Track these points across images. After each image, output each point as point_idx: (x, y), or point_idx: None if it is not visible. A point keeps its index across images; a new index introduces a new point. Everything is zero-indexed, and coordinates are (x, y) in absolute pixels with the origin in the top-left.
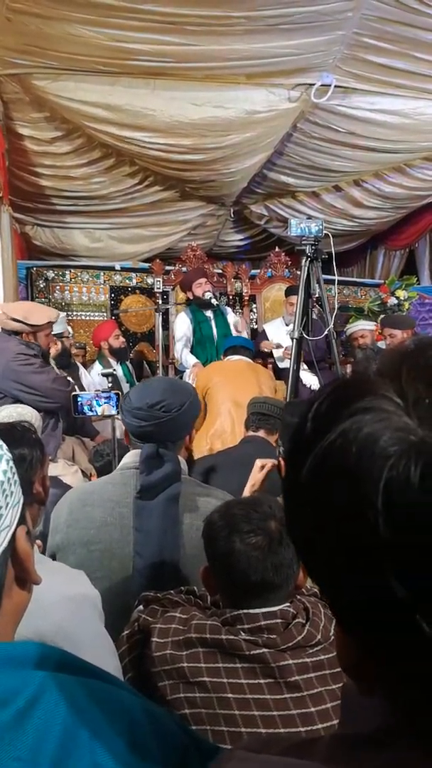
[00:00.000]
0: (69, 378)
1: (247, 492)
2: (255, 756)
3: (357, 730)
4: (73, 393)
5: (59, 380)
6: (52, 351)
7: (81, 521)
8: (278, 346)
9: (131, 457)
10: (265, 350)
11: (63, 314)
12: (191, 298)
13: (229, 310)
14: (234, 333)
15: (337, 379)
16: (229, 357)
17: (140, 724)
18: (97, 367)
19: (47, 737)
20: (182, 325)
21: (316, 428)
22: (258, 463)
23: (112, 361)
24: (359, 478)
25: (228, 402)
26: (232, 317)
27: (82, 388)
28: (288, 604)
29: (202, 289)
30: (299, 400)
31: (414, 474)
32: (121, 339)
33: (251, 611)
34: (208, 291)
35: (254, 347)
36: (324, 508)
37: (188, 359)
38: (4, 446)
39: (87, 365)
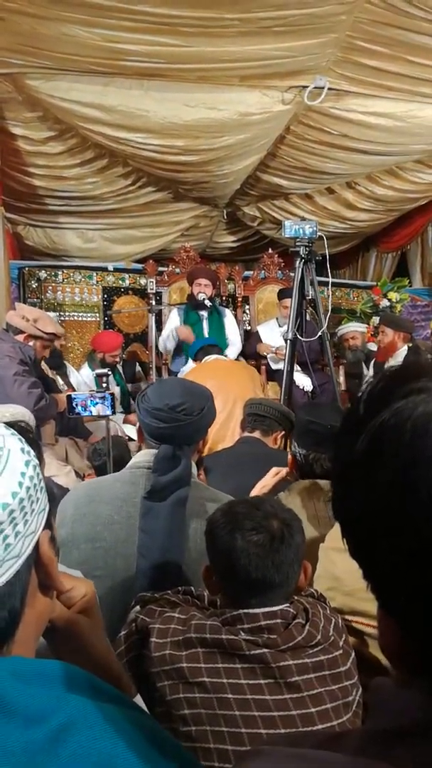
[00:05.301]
0: (56, 386)
1: (255, 493)
2: (283, 749)
3: (389, 724)
4: (68, 393)
5: (33, 395)
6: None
7: (87, 516)
8: (276, 353)
9: (142, 456)
10: (264, 353)
11: (54, 315)
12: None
13: (227, 312)
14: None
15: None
16: (206, 358)
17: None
18: (86, 368)
19: (82, 766)
20: (171, 323)
21: (369, 409)
22: (273, 470)
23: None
24: (413, 455)
25: (238, 408)
26: (230, 320)
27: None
28: (288, 604)
29: (199, 288)
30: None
31: None
32: (117, 359)
33: (251, 611)
34: (202, 293)
35: (249, 348)
36: (376, 484)
37: (168, 344)
38: (32, 452)
39: (80, 365)
